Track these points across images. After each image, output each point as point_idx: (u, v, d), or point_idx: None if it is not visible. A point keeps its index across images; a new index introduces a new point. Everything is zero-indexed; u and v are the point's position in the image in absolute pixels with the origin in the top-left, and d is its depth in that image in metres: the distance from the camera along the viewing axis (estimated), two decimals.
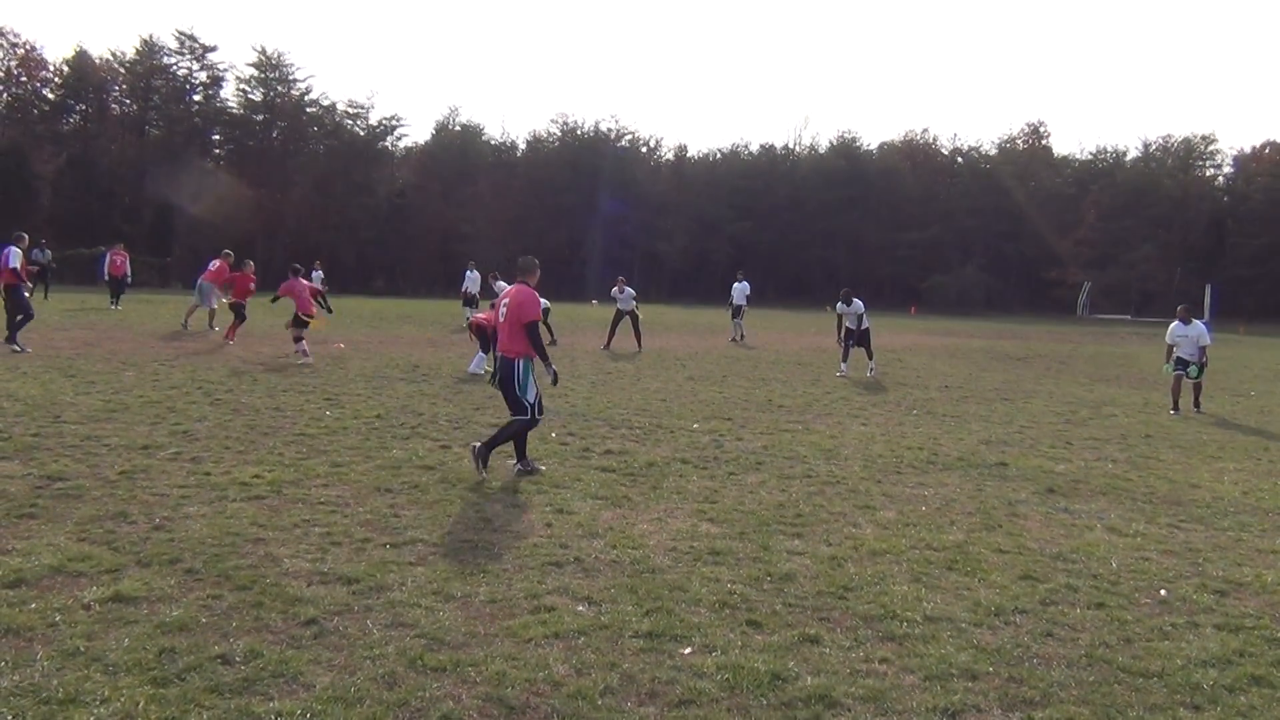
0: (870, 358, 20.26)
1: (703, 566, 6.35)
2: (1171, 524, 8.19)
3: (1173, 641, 5.32)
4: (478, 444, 8.86)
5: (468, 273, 30.92)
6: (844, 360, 20.12)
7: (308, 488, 8.07)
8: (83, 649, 4.59)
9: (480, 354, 16.46)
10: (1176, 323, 16.27)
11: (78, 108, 72.72)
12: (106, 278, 30.25)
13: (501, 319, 8.98)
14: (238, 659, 4.55)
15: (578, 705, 4.24)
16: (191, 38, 72.34)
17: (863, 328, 20.14)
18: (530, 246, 73.05)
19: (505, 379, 8.86)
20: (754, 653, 4.90)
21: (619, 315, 24.56)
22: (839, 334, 20.35)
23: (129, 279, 31.19)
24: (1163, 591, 6.21)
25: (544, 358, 8.86)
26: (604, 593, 5.73)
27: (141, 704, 4.05)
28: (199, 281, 23.81)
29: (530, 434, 11.02)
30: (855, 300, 20.22)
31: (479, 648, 4.83)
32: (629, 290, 24.84)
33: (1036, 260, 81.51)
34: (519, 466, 8.99)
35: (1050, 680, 4.71)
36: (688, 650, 4.91)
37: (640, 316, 24.73)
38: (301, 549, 6.34)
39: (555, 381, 9.12)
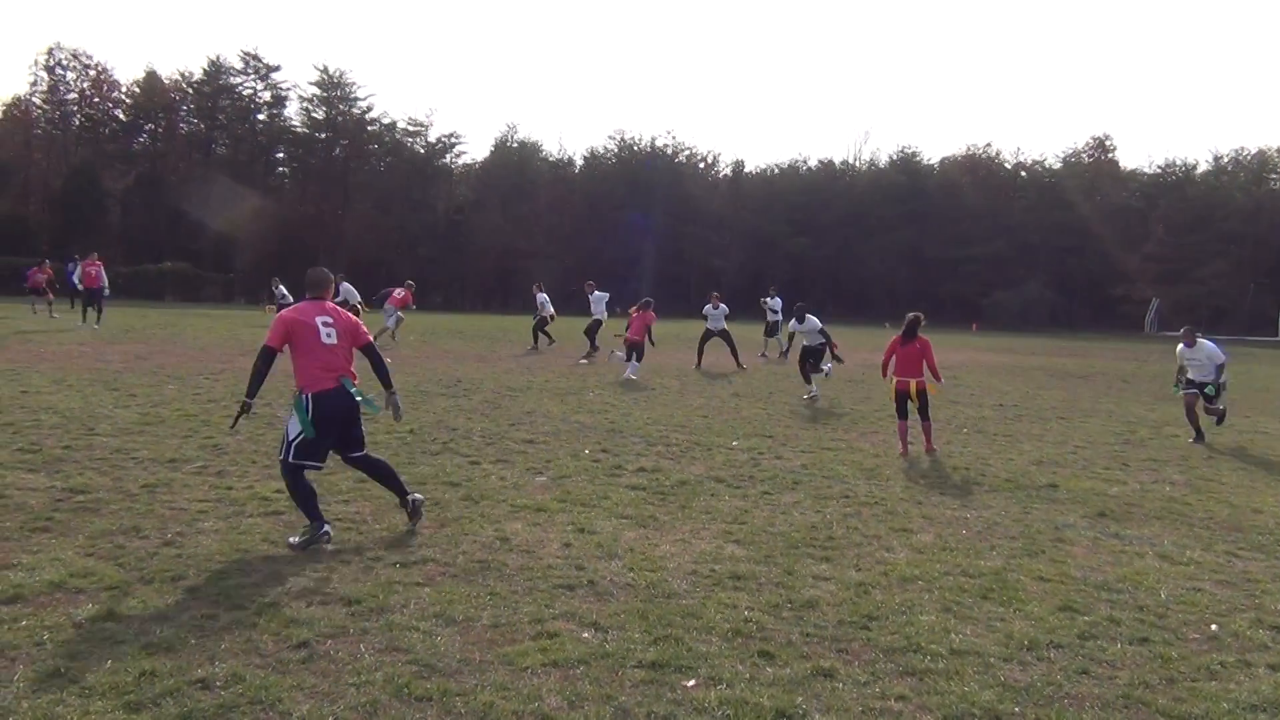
0: (808, 381, 17.60)
1: (721, 591, 6.06)
2: (1229, 551, 7.71)
3: (1221, 682, 4.91)
4: (416, 496, 7.42)
5: (539, 295, 28.36)
6: (809, 382, 17.68)
7: (328, 503, 7.89)
8: (63, 670, 4.45)
9: (633, 359, 19.49)
10: (1181, 345, 14.71)
11: (147, 127, 74.65)
12: (80, 288, 27.28)
13: (328, 341, 6.99)
14: (218, 684, 4.37)
15: None
16: (256, 58, 74.12)
17: (818, 344, 17.98)
18: (586, 262, 73.76)
19: (354, 409, 7.09)
20: (762, 686, 4.60)
21: (707, 334, 23.53)
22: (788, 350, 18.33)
23: (106, 290, 27.09)
24: (1214, 626, 5.77)
25: (389, 383, 7.48)
26: (613, 618, 5.47)
27: None
28: (385, 305, 26.63)
29: (562, 450, 10.87)
30: (809, 317, 18.22)
31: (471, 676, 4.60)
32: (723, 307, 23.86)
33: (1103, 276, 79.79)
34: (414, 499, 7.37)
35: None
36: (691, 683, 4.63)
37: (732, 334, 23.87)
38: (309, 567, 6.18)
39: (398, 416, 7.81)
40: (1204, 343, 14.64)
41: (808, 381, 17.60)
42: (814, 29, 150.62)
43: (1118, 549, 7.63)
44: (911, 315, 12.64)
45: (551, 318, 27.47)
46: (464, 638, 5.10)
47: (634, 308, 20.84)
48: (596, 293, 25.48)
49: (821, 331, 17.99)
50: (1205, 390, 14.43)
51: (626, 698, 4.43)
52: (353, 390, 7.01)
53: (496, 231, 77.85)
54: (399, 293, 26.58)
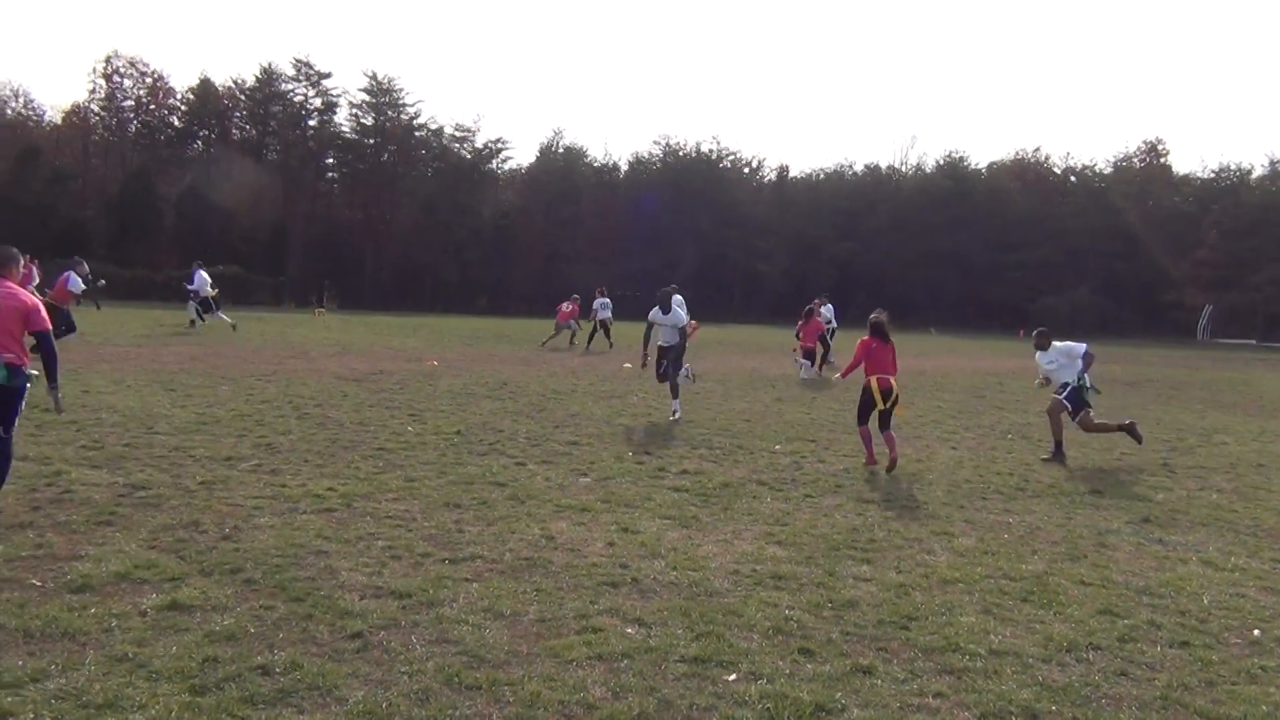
0: (675, 395, 14.49)
1: (762, 591, 6.17)
2: (1276, 559, 7.67)
3: (1261, 686, 4.93)
4: None
5: (600, 299, 28.62)
6: (676, 396, 14.56)
7: (378, 501, 8.14)
8: (131, 655, 4.66)
9: (809, 362, 21.60)
10: (1038, 353, 12.87)
11: (200, 133, 76.07)
12: None
13: None
14: (278, 670, 4.56)
15: None
16: (308, 65, 75.14)
17: (674, 343, 14.88)
18: (630, 266, 73.97)
19: (17, 395, 6.85)
20: (801, 682, 4.71)
21: None
22: (644, 352, 15.27)
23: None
24: (1256, 631, 5.78)
25: (55, 376, 7.16)
26: (656, 615, 5.59)
27: (175, 711, 4.08)
28: (557, 320, 29.28)
29: (605, 452, 11.02)
30: (675, 308, 15.15)
31: (518, 667, 4.75)
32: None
33: (1153, 282, 78.49)
34: None
35: None
36: (732, 677, 4.75)
37: (830, 344, 24.11)
38: (361, 562, 6.37)
39: (57, 409, 7.54)
40: (1059, 344, 12.74)
41: (675, 395, 14.44)
42: (860, 33, 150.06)
43: (1161, 555, 7.63)
44: (875, 316, 11.49)
45: (604, 323, 28.46)
46: (511, 631, 5.25)
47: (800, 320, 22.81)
48: (677, 296, 25.62)
49: (680, 330, 14.97)
50: (1080, 390, 12.42)
51: (669, 690, 4.56)
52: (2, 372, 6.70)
53: (541, 236, 78.29)
54: (566, 306, 29.05)
